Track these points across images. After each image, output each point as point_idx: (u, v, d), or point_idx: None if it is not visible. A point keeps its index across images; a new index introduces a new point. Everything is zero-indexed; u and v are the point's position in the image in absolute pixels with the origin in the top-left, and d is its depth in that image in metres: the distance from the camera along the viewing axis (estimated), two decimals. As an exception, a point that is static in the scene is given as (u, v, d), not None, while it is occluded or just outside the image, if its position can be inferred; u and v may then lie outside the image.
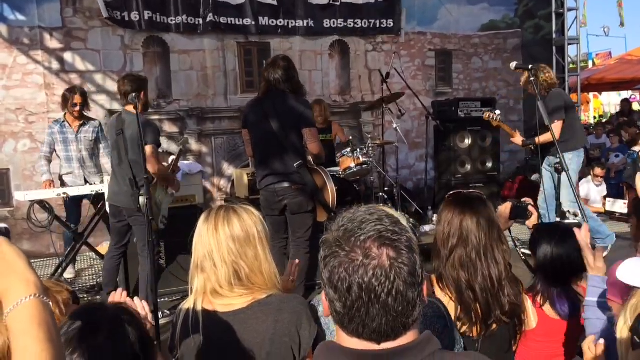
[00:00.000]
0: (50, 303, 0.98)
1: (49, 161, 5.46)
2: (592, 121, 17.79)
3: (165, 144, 7.17)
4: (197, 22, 7.25)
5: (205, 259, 1.89)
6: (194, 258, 1.93)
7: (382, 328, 1.06)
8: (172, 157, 4.76)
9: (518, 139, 5.88)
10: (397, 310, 1.05)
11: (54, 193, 5.08)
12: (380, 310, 1.04)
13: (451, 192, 2.25)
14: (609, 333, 1.75)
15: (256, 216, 1.97)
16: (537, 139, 5.68)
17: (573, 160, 5.51)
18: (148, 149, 4.03)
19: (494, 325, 2.07)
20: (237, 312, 1.86)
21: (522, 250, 2.86)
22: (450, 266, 2.07)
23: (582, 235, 2.07)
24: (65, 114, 5.47)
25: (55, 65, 6.72)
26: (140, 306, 1.70)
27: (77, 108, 5.35)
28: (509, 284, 2.08)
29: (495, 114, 5.99)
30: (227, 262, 1.86)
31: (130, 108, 4.18)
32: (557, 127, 5.43)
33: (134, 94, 3.80)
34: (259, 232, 1.93)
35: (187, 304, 1.93)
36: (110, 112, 6.57)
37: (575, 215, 5.16)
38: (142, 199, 4.07)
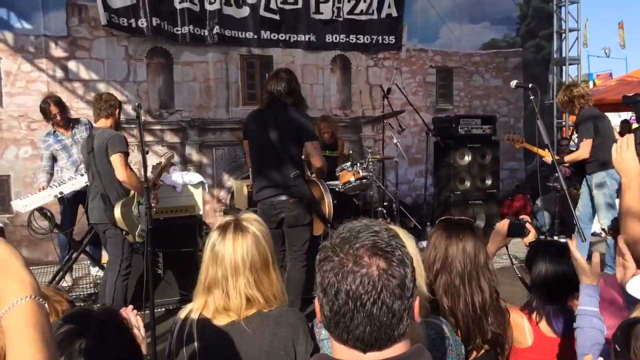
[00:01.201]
0: (46, 305, 0.97)
1: (50, 175, 5.43)
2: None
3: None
4: (202, 33, 7.31)
5: (216, 284, 1.84)
6: (203, 278, 1.88)
7: (365, 337, 1.07)
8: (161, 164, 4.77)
9: (548, 158, 5.84)
10: (381, 320, 1.06)
11: (50, 195, 5.02)
12: (364, 318, 1.06)
13: (441, 218, 2.27)
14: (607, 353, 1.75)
15: (265, 228, 1.94)
16: (565, 158, 5.71)
17: (605, 179, 5.45)
18: (115, 157, 4.09)
19: (474, 353, 2.06)
20: (235, 322, 1.84)
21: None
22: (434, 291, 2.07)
23: (573, 245, 2.08)
24: (52, 124, 5.48)
25: (59, 73, 6.76)
26: (134, 319, 1.67)
27: (57, 118, 5.37)
28: (493, 313, 2.08)
29: (516, 136, 5.97)
30: (241, 293, 1.82)
31: (99, 123, 4.36)
32: (584, 145, 5.44)
33: (137, 103, 3.83)
34: (272, 250, 1.91)
35: (185, 313, 1.90)
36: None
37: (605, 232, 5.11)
38: (116, 213, 4.10)
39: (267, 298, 1.86)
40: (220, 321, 1.85)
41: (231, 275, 1.82)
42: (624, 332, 1.35)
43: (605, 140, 5.55)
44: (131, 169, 4.21)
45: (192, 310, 1.89)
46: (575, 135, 6.29)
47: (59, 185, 5.11)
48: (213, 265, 1.86)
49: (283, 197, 4.07)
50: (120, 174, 4.09)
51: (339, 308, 1.07)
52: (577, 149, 5.77)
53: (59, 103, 5.45)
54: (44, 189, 5.20)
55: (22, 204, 4.95)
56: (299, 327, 1.85)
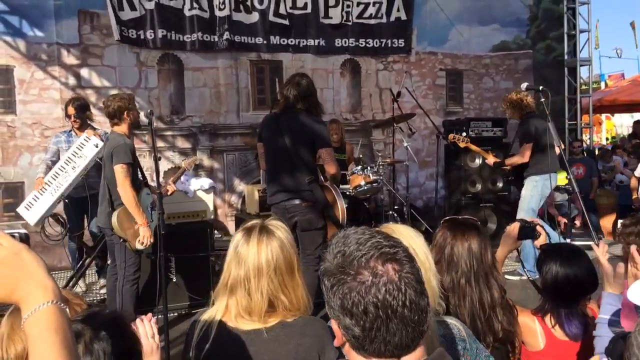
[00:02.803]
0: (68, 310, 1.00)
1: (50, 168, 5.27)
2: (604, 142, 17.71)
3: (177, 159, 7.25)
4: (212, 40, 7.37)
5: (239, 283, 1.81)
6: (225, 277, 1.85)
7: (403, 341, 1.06)
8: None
9: (490, 160, 6.05)
10: (414, 320, 1.06)
11: (54, 203, 4.95)
12: (399, 324, 1.05)
13: (446, 218, 2.26)
14: None
15: (291, 236, 1.92)
16: (506, 161, 5.90)
17: (539, 183, 5.61)
18: (117, 168, 4.04)
19: None
20: (259, 332, 1.80)
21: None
22: None
23: (600, 251, 2.07)
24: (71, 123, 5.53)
25: (72, 80, 6.84)
26: (149, 326, 1.66)
27: (72, 119, 5.37)
28: (502, 311, 2.07)
29: (461, 135, 6.08)
30: (263, 293, 1.79)
31: (113, 128, 4.30)
32: (525, 150, 5.64)
33: (149, 110, 3.85)
34: (297, 257, 1.89)
35: (206, 317, 1.87)
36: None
37: None
38: (113, 219, 4.09)
39: (291, 302, 1.83)
40: (243, 326, 1.81)
41: (254, 276, 1.79)
42: (617, 345, 1.34)
43: (543, 146, 5.65)
44: (131, 184, 4.09)
45: (214, 314, 1.85)
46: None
47: (54, 185, 4.96)
48: (236, 266, 1.82)
49: (296, 201, 4.10)
50: (119, 185, 4.06)
51: (371, 323, 1.05)
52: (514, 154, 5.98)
53: (80, 107, 5.45)
54: (40, 183, 5.03)
55: (32, 219, 4.90)
56: (323, 336, 1.82)
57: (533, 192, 5.58)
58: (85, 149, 4.92)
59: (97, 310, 1.52)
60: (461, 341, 1.76)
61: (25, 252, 1.00)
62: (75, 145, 5.03)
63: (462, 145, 6.13)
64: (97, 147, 4.86)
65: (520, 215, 5.49)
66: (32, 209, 5.01)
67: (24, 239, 3.84)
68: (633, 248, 1.93)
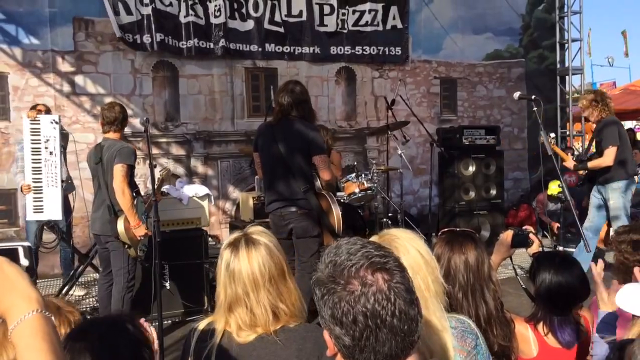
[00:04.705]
0: (53, 318, 1.02)
1: None
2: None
3: (172, 166, 7.26)
4: (208, 47, 7.39)
5: (238, 301, 1.80)
6: (222, 298, 1.83)
7: (393, 351, 1.07)
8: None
9: (570, 163, 5.89)
10: (403, 329, 1.07)
11: (59, 187, 4.77)
12: (388, 333, 1.06)
13: (444, 230, 2.26)
14: None
15: (274, 238, 1.91)
16: (589, 164, 5.66)
17: (623, 187, 5.46)
18: (118, 166, 4.09)
19: None
20: (261, 336, 1.81)
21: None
22: None
23: (597, 270, 2.08)
24: None
25: (67, 87, 6.83)
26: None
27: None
28: (498, 325, 2.07)
29: (550, 136, 5.87)
30: (266, 306, 1.79)
31: (108, 135, 4.35)
32: (610, 153, 5.44)
33: (145, 118, 3.87)
34: (285, 259, 1.88)
35: (204, 324, 1.87)
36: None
37: None
38: (119, 226, 4.09)
39: (289, 309, 1.84)
40: (244, 338, 1.81)
41: (252, 290, 1.78)
42: (618, 354, 1.35)
43: (626, 148, 5.54)
44: (128, 185, 4.12)
45: (213, 323, 1.85)
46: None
47: (46, 178, 4.72)
48: (231, 284, 1.81)
49: (292, 209, 4.13)
50: (117, 183, 4.09)
51: (360, 333, 1.06)
52: (597, 155, 5.70)
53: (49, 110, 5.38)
54: (28, 187, 4.78)
55: (56, 214, 4.77)
56: (324, 343, 1.85)
57: (625, 198, 5.43)
58: (44, 130, 4.60)
59: (114, 314, 1.52)
60: (472, 334, 1.77)
61: (6, 264, 1.02)
62: (27, 134, 4.64)
63: (553, 147, 6.09)
64: (54, 123, 4.65)
65: (619, 222, 5.29)
66: (46, 208, 4.75)
67: (28, 252, 3.75)
68: (637, 270, 1.95)
